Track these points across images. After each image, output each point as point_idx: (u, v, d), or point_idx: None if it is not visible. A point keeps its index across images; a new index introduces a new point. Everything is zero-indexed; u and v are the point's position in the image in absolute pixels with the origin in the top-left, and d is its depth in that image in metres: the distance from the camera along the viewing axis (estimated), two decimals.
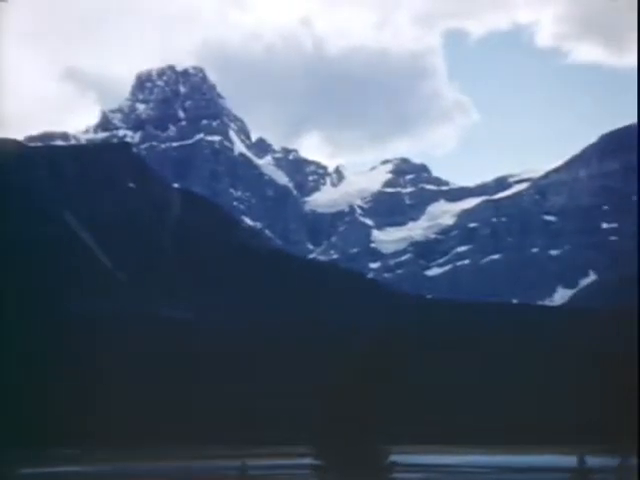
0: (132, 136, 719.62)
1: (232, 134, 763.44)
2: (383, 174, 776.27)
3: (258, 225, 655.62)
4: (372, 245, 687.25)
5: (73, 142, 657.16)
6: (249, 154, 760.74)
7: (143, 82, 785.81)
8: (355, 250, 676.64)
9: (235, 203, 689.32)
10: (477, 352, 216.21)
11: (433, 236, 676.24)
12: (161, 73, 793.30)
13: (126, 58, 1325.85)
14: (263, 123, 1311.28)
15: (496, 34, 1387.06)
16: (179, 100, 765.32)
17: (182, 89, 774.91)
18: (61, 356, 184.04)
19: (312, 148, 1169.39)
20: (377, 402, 63.56)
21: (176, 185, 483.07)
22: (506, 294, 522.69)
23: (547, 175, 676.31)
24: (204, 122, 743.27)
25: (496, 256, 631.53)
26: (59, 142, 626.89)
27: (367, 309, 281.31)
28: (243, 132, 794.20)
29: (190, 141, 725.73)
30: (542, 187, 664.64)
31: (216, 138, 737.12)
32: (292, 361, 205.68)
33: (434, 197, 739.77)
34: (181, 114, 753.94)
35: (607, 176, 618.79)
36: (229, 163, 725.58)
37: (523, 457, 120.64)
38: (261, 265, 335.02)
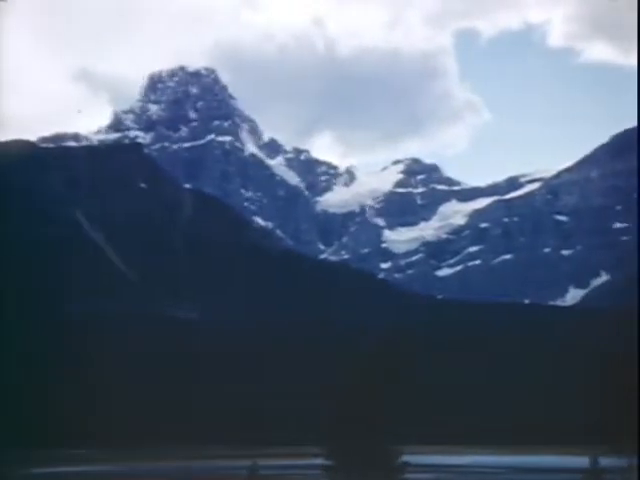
0: (144, 137, 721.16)
1: (243, 135, 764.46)
2: (394, 174, 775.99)
3: (269, 225, 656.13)
4: (383, 245, 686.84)
5: (85, 143, 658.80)
6: (260, 154, 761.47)
7: (155, 83, 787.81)
8: (366, 250, 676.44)
9: (246, 203, 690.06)
10: (489, 352, 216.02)
11: (444, 236, 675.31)
12: (173, 74, 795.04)
13: (138, 59, 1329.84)
14: (274, 123, 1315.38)
15: (507, 34, 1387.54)
16: (190, 101, 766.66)
17: (194, 90, 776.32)
18: (77, 356, 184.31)
19: (323, 148, 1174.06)
20: (390, 402, 63.76)
21: (187, 186, 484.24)
22: (517, 294, 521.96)
23: (559, 175, 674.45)
24: (215, 123, 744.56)
25: (508, 256, 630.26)
26: (71, 143, 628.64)
27: (378, 309, 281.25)
28: (255, 132, 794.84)
29: (201, 142, 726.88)
30: (554, 187, 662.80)
31: (227, 139, 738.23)
32: (303, 361, 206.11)
33: (445, 197, 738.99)
34: (192, 115, 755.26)
35: (619, 176, 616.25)
36: (240, 164, 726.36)
37: (535, 458, 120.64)
38: (272, 265, 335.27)
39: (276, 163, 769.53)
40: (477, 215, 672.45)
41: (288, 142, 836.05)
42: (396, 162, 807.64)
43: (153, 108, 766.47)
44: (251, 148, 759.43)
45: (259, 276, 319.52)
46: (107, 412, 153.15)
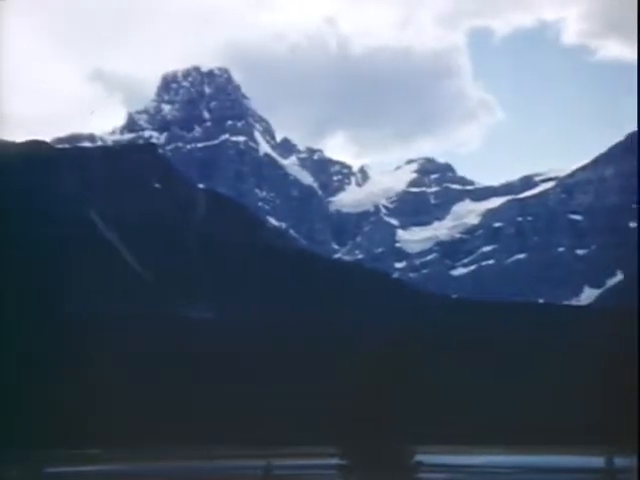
0: (158, 137, 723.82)
1: (257, 134, 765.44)
2: (408, 174, 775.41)
3: (283, 225, 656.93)
4: (397, 245, 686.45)
5: (99, 143, 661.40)
6: (274, 154, 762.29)
7: (168, 83, 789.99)
8: (380, 250, 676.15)
9: (260, 203, 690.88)
10: (508, 352, 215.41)
11: (458, 236, 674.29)
12: (186, 74, 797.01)
13: (152, 59, 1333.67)
14: (288, 123, 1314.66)
15: (521, 32, 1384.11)
16: (204, 101, 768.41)
17: (207, 90, 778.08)
18: (90, 357, 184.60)
19: (337, 148, 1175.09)
20: (407, 402, 63.75)
21: (201, 186, 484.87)
22: (531, 294, 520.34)
23: (573, 174, 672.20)
24: (229, 123, 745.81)
25: (522, 256, 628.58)
26: (86, 144, 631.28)
27: (393, 309, 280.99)
28: (268, 132, 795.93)
29: (215, 142, 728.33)
30: (568, 186, 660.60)
31: (241, 139, 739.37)
32: (317, 362, 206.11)
33: (459, 196, 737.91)
34: (206, 115, 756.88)
35: (634, 174, 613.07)
36: (254, 163, 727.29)
37: (549, 458, 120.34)
38: (286, 265, 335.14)
39: (289, 163, 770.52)
40: (491, 214, 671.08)
41: (301, 142, 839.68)
42: (409, 161, 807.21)
43: (167, 108, 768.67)
44: (265, 148, 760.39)
45: (273, 276, 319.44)
46: (123, 412, 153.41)
